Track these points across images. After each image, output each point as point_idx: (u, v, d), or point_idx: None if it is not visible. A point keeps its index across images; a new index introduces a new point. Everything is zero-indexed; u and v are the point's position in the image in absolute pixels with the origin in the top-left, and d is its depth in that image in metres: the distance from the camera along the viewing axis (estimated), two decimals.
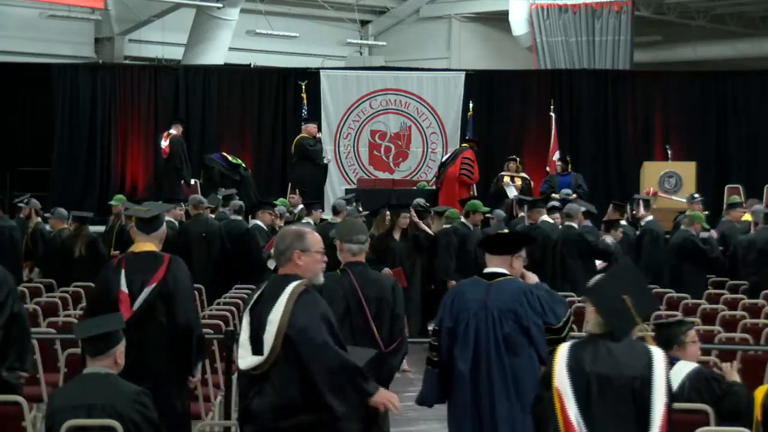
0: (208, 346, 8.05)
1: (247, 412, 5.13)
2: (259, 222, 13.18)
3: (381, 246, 12.09)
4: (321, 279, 5.37)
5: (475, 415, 5.72)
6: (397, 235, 12.39)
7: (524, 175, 18.36)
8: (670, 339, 6.00)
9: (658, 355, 4.50)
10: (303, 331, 5.00)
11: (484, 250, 6.00)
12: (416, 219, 12.81)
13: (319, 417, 5.02)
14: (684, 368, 5.91)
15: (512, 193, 17.41)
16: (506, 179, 17.96)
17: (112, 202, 14.79)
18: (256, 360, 5.02)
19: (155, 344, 6.38)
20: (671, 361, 5.92)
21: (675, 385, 5.84)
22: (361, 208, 13.11)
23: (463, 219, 13.38)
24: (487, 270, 5.85)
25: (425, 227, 13.02)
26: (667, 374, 4.48)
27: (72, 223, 13.13)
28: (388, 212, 12.78)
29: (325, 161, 18.82)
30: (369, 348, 5.75)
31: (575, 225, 12.96)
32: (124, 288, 6.39)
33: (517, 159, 18.27)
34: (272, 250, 5.43)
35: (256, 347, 5.04)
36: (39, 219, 13.97)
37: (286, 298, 5.04)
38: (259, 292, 5.22)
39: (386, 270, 11.05)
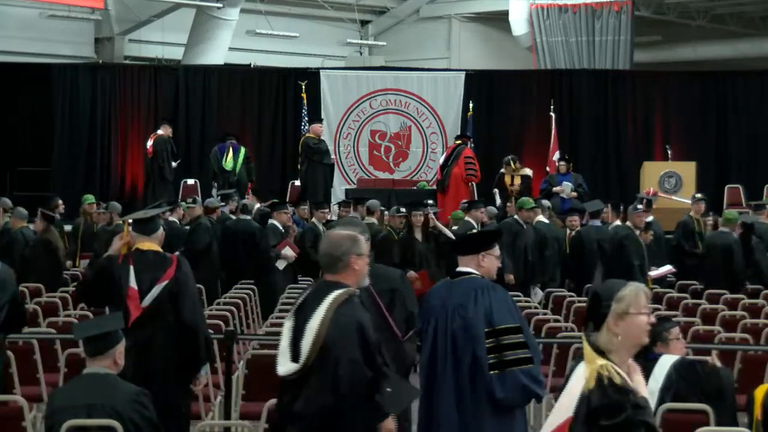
0: None
1: (286, 415, 5.11)
2: (275, 222, 13.27)
3: (406, 248, 12.02)
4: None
5: (429, 412, 5.75)
6: (419, 236, 12.35)
7: (526, 171, 18.24)
8: (653, 336, 6.05)
9: (577, 371, 4.26)
10: (338, 342, 4.96)
11: (455, 253, 6.01)
12: (433, 218, 12.74)
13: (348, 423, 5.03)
14: (668, 360, 6.01)
15: (497, 202, 17.38)
16: (496, 191, 17.87)
17: (86, 202, 14.93)
18: (293, 367, 5.00)
19: (162, 343, 6.38)
20: (654, 358, 5.99)
21: (662, 377, 5.91)
22: (403, 209, 13.21)
23: (516, 216, 13.35)
24: (456, 270, 5.87)
25: (443, 227, 12.95)
26: (583, 393, 4.17)
27: (43, 221, 13.16)
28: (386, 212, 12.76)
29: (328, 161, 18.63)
30: (410, 385, 5.71)
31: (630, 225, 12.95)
32: (133, 284, 6.38)
33: (512, 160, 18.14)
34: (321, 254, 5.22)
35: (294, 354, 5.02)
36: (8, 219, 14.03)
37: (326, 307, 4.98)
38: (303, 297, 5.16)
39: (411, 273, 11.04)
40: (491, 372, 5.51)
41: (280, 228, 13.08)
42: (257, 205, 15.58)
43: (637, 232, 12.29)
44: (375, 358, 5.03)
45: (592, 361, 4.13)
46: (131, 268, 6.41)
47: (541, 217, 13.51)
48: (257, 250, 13.37)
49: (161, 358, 6.37)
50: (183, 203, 14.79)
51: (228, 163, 18.24)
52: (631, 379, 4.17)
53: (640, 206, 12.52)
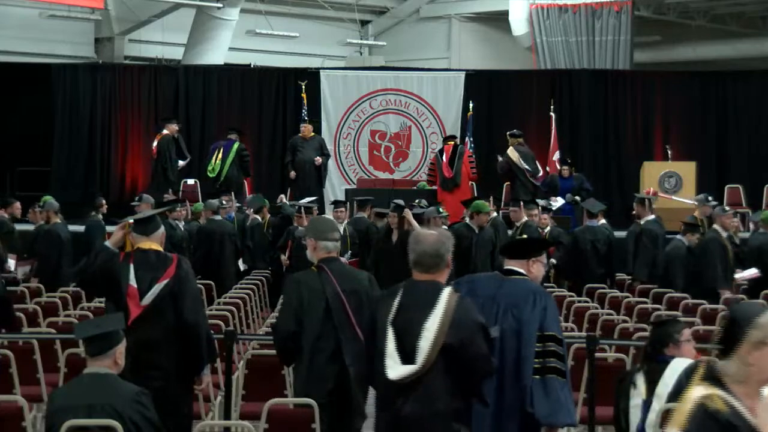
0: None
1: (397, 420, 5.07)
2: (297, 225, 13.45)
3: (378, 247, 12.12)
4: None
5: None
6: (394, 237, 12.24)
7: (509, 152, 18.29)
8: (663, 338, 6.02)
9: (688, 393, 3.97)
10: (467, 340, 5.01)
11: (504, 256, 6.03)
12: (409, 218, 12.49)
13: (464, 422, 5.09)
14: (680, 364, 5.94)
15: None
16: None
17: (41, 203, 14.82)
18: (409, 369, 4.98)
19: (162, 342, 6.39)
20: (664, 360, 5.95)
21: (672, 381, 5.87)
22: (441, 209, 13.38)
23: (467, 220, 13.25)
24: (505, 267, 5.89)
25: (415, 224, 12.74)
26: (683, 423, 3.84)
27: None
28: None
29: (290, 159, 18.32)
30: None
31: None
32: (133, 283, 6.40)
33: (514, 134, 18.38)
34: (413, 254, 5.26)
35: (406, 356, 5.00)
36: None
37: (443, 307, 5.03)
38: (397, 302, 5.14)
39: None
40: (534, 376, 5.53)
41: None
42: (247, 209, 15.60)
43: (725, 235, 12.07)
44: (493, 351, 5.23)
45: (700, 388, 3.74)
46: (131, 266, 6.43)
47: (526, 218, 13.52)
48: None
49: (161, 357, 6.37)
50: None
51: (214, 167, 18.08)
52: (756, 415, 3.73)
53: (728, 208, 12.08)
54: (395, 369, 5.01)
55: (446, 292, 5.09)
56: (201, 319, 6.54)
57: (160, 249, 6.59)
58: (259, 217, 15.19)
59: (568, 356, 8.09)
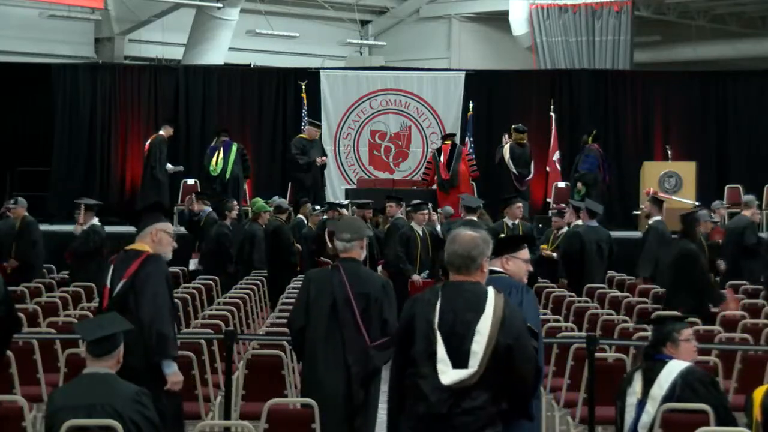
0: (207, 346, 8.07)
1: (448, 427, 4.90)
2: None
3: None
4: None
5: None
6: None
7: (503, 151, 18.36)
8: (663, 336, 5.99)
9: None
10: (518, 340, 4.94)
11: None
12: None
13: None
14: (676, 367, 5.90)
15: None
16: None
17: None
18: (465, 373, 4.86)
19: (130, 341, 6.36)
20: (662, 359, 5.92)
21: (667, 384, 5.84)
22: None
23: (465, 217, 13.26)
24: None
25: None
26: None
27: None
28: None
29: (309, 161, 18.32)
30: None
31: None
32: (108, 283, 6.65)
33: (517, 130, 18.41)
34: (448, 255, 5.12)
35: (459, 360, 4.88)
36: None
37: (493, 308, 4.94)
38: (438, 306, 4.98)
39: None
40: None
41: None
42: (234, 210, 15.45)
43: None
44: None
45: None
46: (111, 267, 6.69)
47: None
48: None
49: (128, 356, 6.36)
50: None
51: (217, 167, 17.96)
52: None
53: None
54: (449, 374, 4.86)
55: (492, 292, 4.99)
56: (156, 318, 6.47)
57: (143, 248, 6.64)
58: (303, 217, 15.15)
59: (568, 355, 8.18)
